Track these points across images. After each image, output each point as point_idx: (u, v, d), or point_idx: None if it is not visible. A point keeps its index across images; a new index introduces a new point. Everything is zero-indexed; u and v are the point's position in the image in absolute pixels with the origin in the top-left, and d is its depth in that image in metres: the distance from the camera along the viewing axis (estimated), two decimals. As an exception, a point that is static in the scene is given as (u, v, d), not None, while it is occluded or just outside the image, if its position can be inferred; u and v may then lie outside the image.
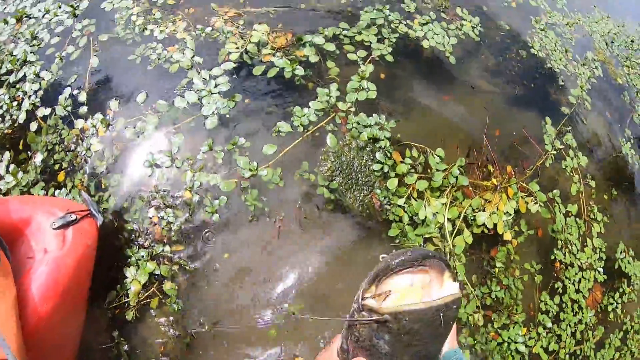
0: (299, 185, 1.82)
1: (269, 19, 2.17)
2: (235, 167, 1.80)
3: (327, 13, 2.28)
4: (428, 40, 2.35)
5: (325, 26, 2.18)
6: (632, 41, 3.82)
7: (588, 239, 2.43)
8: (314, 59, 2.04)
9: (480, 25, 2.61)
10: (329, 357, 0.97)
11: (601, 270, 2.42)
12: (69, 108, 2.00)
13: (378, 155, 1.90)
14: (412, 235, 1.87)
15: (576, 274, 2.33)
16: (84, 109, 1.99)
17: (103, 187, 1.87)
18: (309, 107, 1.91)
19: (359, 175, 1.86)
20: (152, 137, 1.89)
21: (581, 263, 2.35)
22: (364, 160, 1.88)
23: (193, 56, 2.01)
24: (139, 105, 1.94)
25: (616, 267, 2.51)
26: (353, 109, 1.98)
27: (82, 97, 2.00)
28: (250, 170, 1.78)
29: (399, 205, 1.89)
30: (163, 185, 1.80)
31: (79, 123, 1.96)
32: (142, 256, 1.72)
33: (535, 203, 2.21)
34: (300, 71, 1.98)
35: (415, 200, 1.93)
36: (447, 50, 2.38)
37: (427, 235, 1.90)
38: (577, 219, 2.41)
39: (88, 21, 2.18)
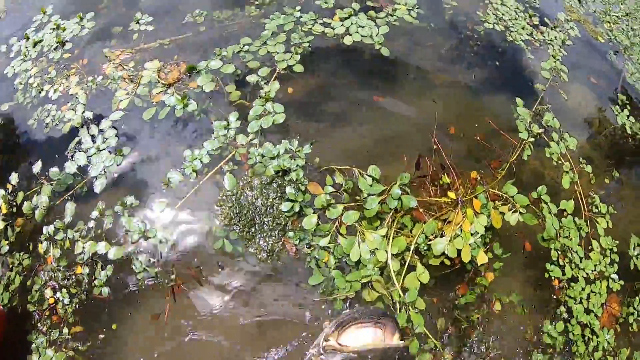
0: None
1: (163, 51, 1.96)
2: (125, 230, 1.60)
3: (234, 31, 2.01)
4: (351, 35, 2.00)
5: (227, 45, 1.92)
6: (608, -8, 3.13)
7: (594, 241, 1.92)
8: (209, 87, 1.79)
9: (417, 7, 2.20)
10: None
11: (615, 276, 1.90)
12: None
13: (288, 191, 1.60)
14: (342, 282, 1.54)
15: (583, 289, 1.84)
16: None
17: (10, 266, 1.77)
18: (202, 148, 1.66)
19: (265, 218, 1.57)
20: (48, 208, 1.75)
21: (587, 274, 1.85)
22: (270, 200, 1.59)
23: (84, 112, 1.85)
24: (35, 175, 1.82)
25: (632, 266, 1.97)
26: (256, 140, 1.70)
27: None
28: (139, 233, 1.57)
29: (323, 247, 1.57)
30: (57, 262, 1.65)
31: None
32: (42, 342, 1.58)
33: (514, 211, 1.76)
34: (192, 106, 1.74)
35: (344, 237, 1.59)
36: (376, 42, 2.01)
37: (364, 280, 1.55)
38: (576, 219, 1.91)
39: (-8, 92, 2.13)
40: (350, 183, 1.67)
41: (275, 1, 2.11)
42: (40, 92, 1.97)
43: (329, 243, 1.57)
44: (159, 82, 1.82)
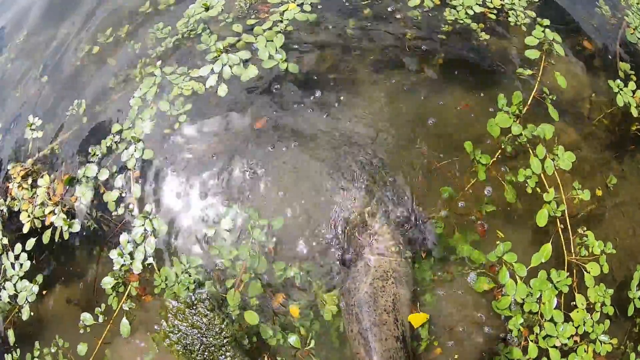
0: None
1: (54, 157, 1.87)
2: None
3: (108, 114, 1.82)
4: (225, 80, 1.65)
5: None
6: None
7: (578, 295, 1.47)
8: (86, 197, 1.67)
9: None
10: None
11: (605, 337, 1.45)
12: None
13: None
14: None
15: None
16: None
17: None
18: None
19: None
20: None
21: (564, 342, 1.44)
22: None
23: (1, 238, 1.90)
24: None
25: (631, 310, 1.48)
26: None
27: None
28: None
29: None
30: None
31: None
32: None
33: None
34: (76, 227, 1.66)
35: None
36: (279, 61, 1.66)
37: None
38: (553, 273, 1.45)
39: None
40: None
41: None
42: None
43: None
44: (49, 200, 1.76)
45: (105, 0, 2.16)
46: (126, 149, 1.64)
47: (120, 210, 1.61)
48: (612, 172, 1.68)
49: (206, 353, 1.47)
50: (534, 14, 1.86)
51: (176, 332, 1.51)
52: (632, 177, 1.68)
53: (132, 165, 1.63)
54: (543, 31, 1.77)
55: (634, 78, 1.73)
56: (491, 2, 1.87)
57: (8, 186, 1.96)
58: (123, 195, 1.63)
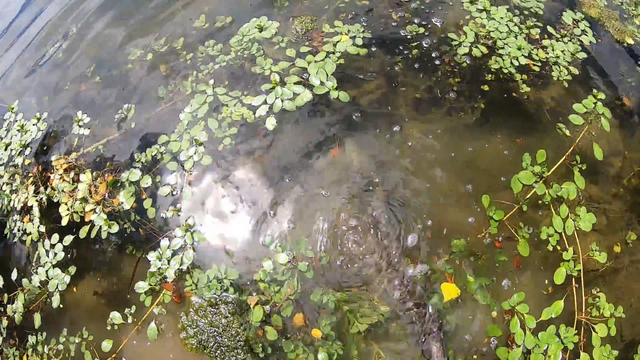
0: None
1: (99, 155, 1.96)
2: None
3: (155, 124, 1.91)
4: (275, 113, 1.74)
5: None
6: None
7: (583, 354, 1.55)
8: (129, 202, 1.76)
9: (363, 31, 1.86)
10: None
11: None
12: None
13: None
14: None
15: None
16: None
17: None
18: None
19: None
20: (23, 314, 1.98)
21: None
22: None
23: (39, 226, 1.99)
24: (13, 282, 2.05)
25: None
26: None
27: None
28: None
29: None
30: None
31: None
32: None
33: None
34: (115, 228, 1.75)
35: None
36: (330, 88, 1.74)
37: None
38: (562, 328, 1.53)
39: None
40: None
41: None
42: (9, 202, 2.16)
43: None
44: (91, 197, 1.85)
45: (164, 9, 2.25)
46: (186, 149, 1.71)
47: (165, 215, 1.69)
48: (634, 230, 1.73)
49: (218, 352, 1.55)
50: (577, 71, 1.93)
51: (194, 327, 1.59)
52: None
53: (189, 167, 1.71)
54: (595, 103, 1.82)
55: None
56: (537, 55, 1.94)
57: (49, 176, 2.05)
58: (174, 193, 1.71)
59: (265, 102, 1.70)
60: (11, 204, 2.17)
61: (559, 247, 1.64)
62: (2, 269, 2.11)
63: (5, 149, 2.30)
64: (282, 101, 1.69)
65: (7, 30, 2.98)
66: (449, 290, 1.54)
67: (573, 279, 1.62)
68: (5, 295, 2.06)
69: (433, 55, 1.92)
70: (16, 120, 2.35)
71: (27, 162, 2.20)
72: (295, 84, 1.75)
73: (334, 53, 1.86)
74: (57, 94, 2.28)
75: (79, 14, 2.62)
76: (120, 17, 2.34)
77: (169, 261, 1.63)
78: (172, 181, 1.74)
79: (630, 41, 2.09)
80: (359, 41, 1.91)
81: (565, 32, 2.06)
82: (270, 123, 1.68)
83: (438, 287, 1.54)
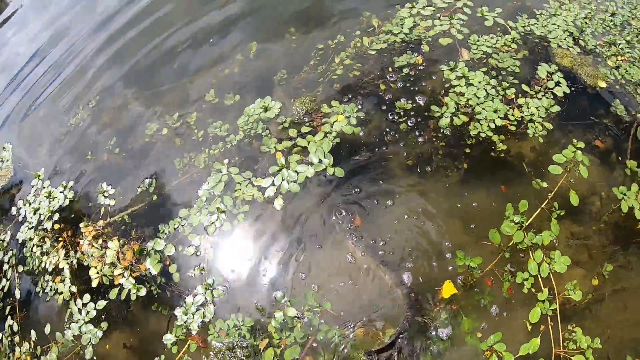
0: None
1: (125, 224, 2.26)
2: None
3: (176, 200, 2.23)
4: (282, 194, 2.09)
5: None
6: (613, 14, 2.53)
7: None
8: (156, 269, 2.06)
9: (357, 109, 2.22)
10: None
11: None
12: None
13: None
14: None
15: None
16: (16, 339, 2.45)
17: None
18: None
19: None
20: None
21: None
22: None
23: (70, 286, 2.26)
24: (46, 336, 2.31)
25: None
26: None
27: (15, 327, 2.46)
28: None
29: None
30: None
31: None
32: None
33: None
34: (143, 291, 2.04)
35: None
36: (327, 165, 2.09)
37: None
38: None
39: (12, 253, 2.63)
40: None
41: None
42: (40, 264, 2.42)
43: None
44: (119, 263, 2.14)
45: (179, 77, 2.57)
46: (210, 214, 2.03)
47: (191, 274, 1.99)
48: (613, 262, 1.81)
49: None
50: (551, 126, 2.12)
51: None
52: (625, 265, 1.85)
53: (212, 231, 2.02)
54: (574, 152, 1.93)
55: (640, 178, 1.94)
56: (512, 115, 2.16)
57: (78, 241, 2.33)
58: (198, 254, 2.01)
59: (272, 184, 2.04)
60: (42, 265, 2.44)
61: (533, 290, 1.79)
62: (36, 324, 2.37)
63: (34, 213, 2.57)
64: (288, 183, 2.02)
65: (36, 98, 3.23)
66: (448, 289, 1.78)
67: (549, 318, 1.74)
68: (39, 347, 2.32)
69: (421, 126, 2.18)
70: (43, 187, 2.62)
71: (56, 226, 2.47)
72: (297, 162, 2.09)
73: (331, 133, 2.19)
74: (82, 162, 2.57)
75: (95, 82, 2.93)
76: (137, 87, 2.64)
77: (193, 315, 1.94)
78: (197, 243, 2.05)
79: (603, 84, 2.29)
80: (353, 120, 2.22)
81: (539, 87, 2.26)
82: (278, 204, 2.01)
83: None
